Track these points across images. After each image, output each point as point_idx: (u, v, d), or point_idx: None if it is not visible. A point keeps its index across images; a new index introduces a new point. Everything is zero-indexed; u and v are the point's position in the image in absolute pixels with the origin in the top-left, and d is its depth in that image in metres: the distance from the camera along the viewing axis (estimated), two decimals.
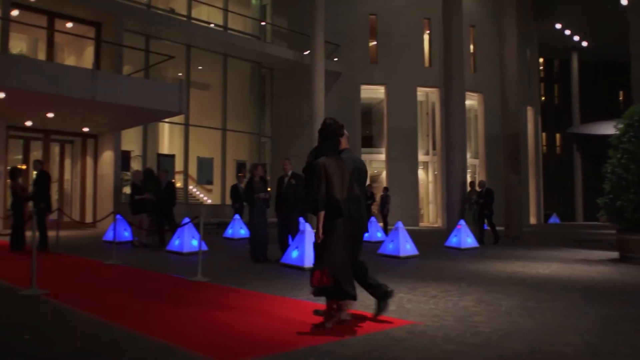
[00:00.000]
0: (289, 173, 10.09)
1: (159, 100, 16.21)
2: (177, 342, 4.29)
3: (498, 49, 22.50)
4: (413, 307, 5.88)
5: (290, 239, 10.02)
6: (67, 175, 20.84)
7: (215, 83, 24.86)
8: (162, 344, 4.27)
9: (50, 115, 16.86)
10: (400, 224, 11.30)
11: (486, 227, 15.17)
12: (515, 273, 8.81)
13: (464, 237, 13.27)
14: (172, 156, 22.84)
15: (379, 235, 15.40)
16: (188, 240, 11.10)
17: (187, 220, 11.33)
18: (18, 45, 20.68)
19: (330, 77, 24.58)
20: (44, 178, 11.56)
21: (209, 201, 25.55)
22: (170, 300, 6.08)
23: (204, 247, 11.42)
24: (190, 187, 24.01)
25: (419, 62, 27.24)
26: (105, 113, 16.69)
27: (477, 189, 15.67)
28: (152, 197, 12.69)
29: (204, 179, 23.84)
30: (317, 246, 5.01)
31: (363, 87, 26.65)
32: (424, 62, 27.52)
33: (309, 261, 8.79)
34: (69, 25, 20.01)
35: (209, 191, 25.39)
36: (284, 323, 5.04)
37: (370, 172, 28.16)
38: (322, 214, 4.88)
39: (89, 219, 20.18)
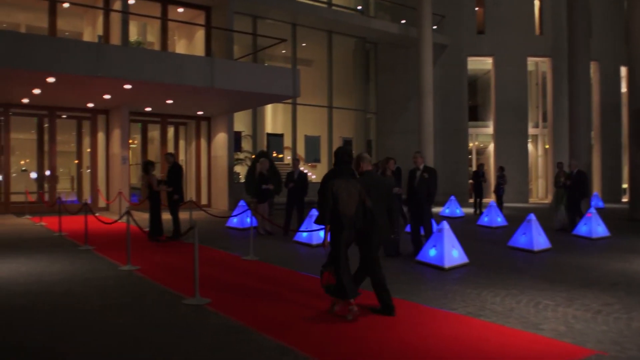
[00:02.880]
0: (421, 167, 9.91)
1: (273, 84, 16.39)
2: None
3: (624, 14, 20.97)
4: (583, 327, 5.63)
5: (422, 233, 9.95)
6: (181, 156, 21.61)
7: (320, 60, 24.85)
8: None
9: (169, 102, 17.47)
10: (532, 216, 10.90)
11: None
12: None
13: (595, 226, 12.66)
14: (281, 135, 23.16)
15: (499, 220, 14.97)
16: (316, 232, 11.22)
17: (313, 211, 11.50)
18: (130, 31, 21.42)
19: (435, 50, 23.95)
20: (176, 170, 12.02)
21: (314, 177, 25.80)
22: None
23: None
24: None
25: (529, 31, 25.97)
26: (222, 98, 17.09)
27: (567, 170, 14.41)
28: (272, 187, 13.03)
29: (312, 158, 24.04)
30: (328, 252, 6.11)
31: (469, 58, 25.79)
32: (534, 30, 26.21)
33: (449, 261, 8.67)
34: (180, 10, 20.49)
35: (314, 167, 25.62)
36: (460, 346, 4.96)
37: (476, 146, 27.42)
38: (329, 226, 5.88)
39: (204, 199, 20.94)
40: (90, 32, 20.12)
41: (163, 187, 11.91)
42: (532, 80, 27.37)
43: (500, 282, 7.74)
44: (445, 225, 8.96)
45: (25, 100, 17.10)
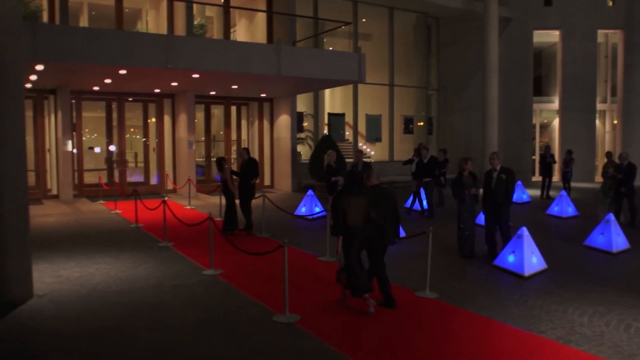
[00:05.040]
0: (498, 168, 9.76)
1: (339, 70, 16.37)
2: None
3: None
4: None
5: (498, 235, 9.86)
6: (243, 136, 21.87)
7: (380, 37, 24.50)
8: None
9: (234, 87, 17.64)
10: (611, 216, 10.63)
11: None
12: None
13: None
14: (342, 115, 23.11)
15: (570, 210, 14.64)
16: None
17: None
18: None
19: (499, 23, 23.15)
20: (252, 165, 12.22)
21: (372, 153, 25.78)
22: (429, 338, 6.20)
23: (402, 233, 11.53)
24: (360, 143, 24.27)
25: (599, 1, 24.81)
26: (287, 83, 17.16)
27: (617, 161, 13.57)
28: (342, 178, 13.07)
29: (373, 137, 23.96)
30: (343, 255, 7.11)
31: (535, 31, 24.92)
32: (605, 1, 25.03)
33: (529, 268, 8.58)
34: None
35: (373, 144, 25.56)
36: None
37: (539, 121, 26.66)
38: (341, 237, 6.95)
39: (267, 180, 21.22)
40: (154, 16, 20.37)
41: (234, 178, 12.15)
42: (601, 53, 26.27)
43: (583, 295, 7.61)
44: (525, 231, 8.85)
45: (96, 88, 17.58)
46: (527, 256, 8.67)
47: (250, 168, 12.09)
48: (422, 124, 25.67)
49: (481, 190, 9.97)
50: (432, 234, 7.87)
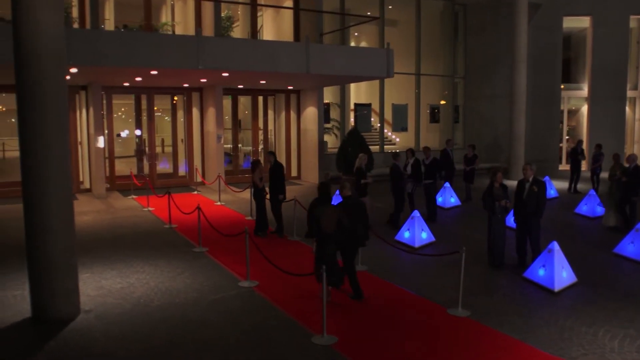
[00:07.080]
0: (530, 179, 9.82)
1: (367, 66, 16.42)
2: None
3: None
4: None
5: (527, 246, 9.97)
6: (270, 126, 22.03)
7: (407, 25, 24.36)
8: None
9: (262, 82, 17.78)
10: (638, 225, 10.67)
11: None
12: None
13: None
14: (369, 105, 23.13)
15: (599, 210, 14.60)
16: (418, 232, 11.40)
17: (415, 213, 11.68)
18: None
19: (528, 10, 22.85)
20: (278, 169, 12.42)
21: (397, 139, 25.84)
22: None
23: (431, 238, 11.71)
24: (385, 130, 24.31)
25: None
26: (314, 78, 17.22)
27: (625, 163, 13.21)
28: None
29: (399, 126, 23.97)
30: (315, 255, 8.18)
31: (565, 17, 24.53)
32: None
33: (559, 283, 8.69)
34: None
35: (399, 133, 25.57)
36: None
37: (567, 107, 26.37)
38: (315, 240, 8.10)
39: (293, 171, 21.43)
40: (181, 7, 20.45)
41: (262, 183, 12.36)
42: (633, 39, 25.79)
43: (613, 314, 7.70)
44: (556, 246, 8.94)
45: (126, 84, 17.86)
46: (558, 271, 8.77)
47: (275, 179, 12.29)
48: (444, 102, 25.51)
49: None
50: (461, 237, 8.03)
